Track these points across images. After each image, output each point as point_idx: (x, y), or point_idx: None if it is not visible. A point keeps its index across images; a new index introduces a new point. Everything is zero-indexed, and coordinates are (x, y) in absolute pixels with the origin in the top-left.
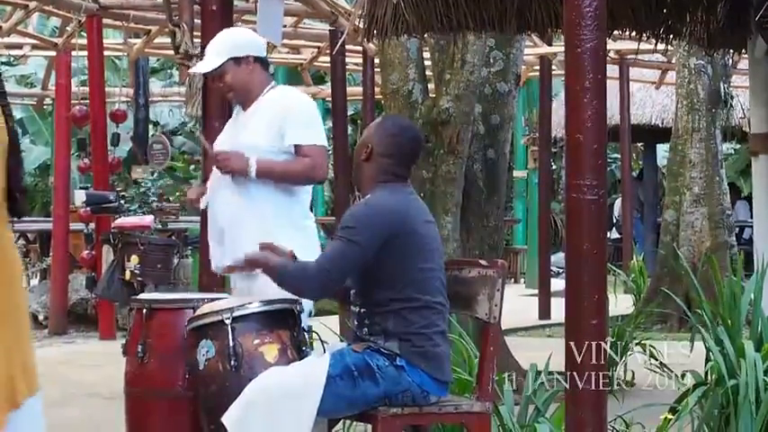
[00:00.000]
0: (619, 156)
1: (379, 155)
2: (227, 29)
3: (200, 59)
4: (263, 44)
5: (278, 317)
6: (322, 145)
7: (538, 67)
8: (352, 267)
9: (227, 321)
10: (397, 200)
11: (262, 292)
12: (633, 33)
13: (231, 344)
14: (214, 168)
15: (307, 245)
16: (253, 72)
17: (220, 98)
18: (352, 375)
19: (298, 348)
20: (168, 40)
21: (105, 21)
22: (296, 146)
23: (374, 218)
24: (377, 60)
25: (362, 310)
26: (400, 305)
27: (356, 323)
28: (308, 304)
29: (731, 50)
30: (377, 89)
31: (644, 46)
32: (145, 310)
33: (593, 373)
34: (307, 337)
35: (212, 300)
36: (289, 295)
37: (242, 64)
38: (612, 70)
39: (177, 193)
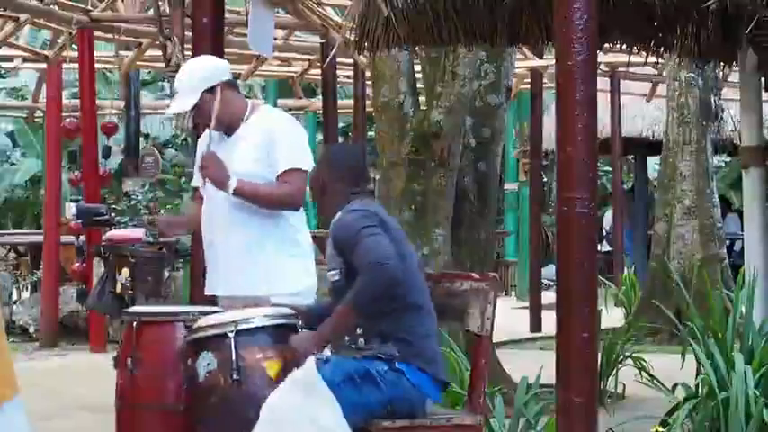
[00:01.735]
0: (610, 168)
1: (332, 182)
2: (190, 62)
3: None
4: (227, 66)
5: (283, 331)
6: (303, 170)
7: (529, 80)
8: (392, 250)
9: (231, 335)
10: (370, 204)
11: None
12: (624, 46)
13: (234, 358)
14: (206, 193)
15: (298, 256)
16: (228, 98)
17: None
18: (354, 381)
19: (299, 365)
20: (159, 52)
21: (96, 33)
22: (280, 173)
23: (366, 215)
24: (368, 73)
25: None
26: (394, 305)
27: (348, 336)
28: None
29: (722, 63)
30: (368, 102)
31: (635, 59)
32: (135, 323)
33: (583, 386)
34: None
35: (203, 312)
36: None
37: (215, 93)
38: (603, 83)
39: (168, 206)
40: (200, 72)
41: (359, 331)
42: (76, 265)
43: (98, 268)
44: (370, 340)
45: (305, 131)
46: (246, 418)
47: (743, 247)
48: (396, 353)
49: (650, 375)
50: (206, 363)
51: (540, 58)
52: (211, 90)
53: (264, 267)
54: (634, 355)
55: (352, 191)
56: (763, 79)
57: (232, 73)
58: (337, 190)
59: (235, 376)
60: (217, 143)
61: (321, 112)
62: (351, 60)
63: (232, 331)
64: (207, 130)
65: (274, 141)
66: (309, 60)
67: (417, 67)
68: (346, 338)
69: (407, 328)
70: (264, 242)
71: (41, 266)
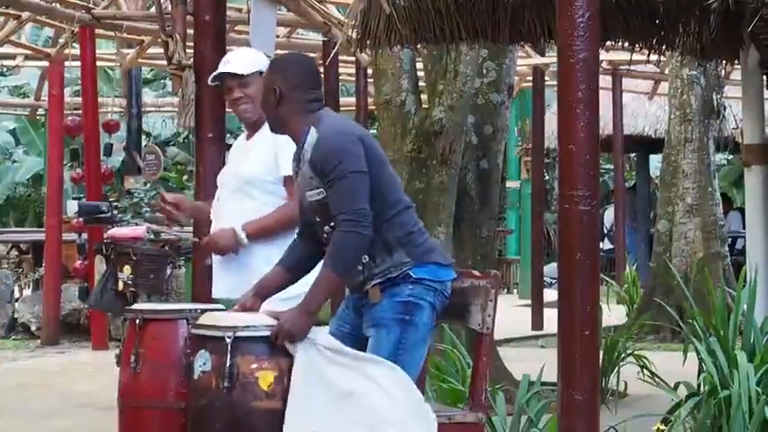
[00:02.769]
0: (611, 166)
1: (289, 90)
2: (251, 49)
3: (192, 69)
4: None
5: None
6: None
7: (531, 78)
8: (367, 194)
9: (228, 340)
10: (341, 118)
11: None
12: (626, 44)
13: (228, 363)
14: (215, 200)
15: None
16: None
17: (212, 109)
18: (405, 322)
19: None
20: (161, 50)
21: (98, 31)
22: (285, 177)
23: (348, 142)
24: (370, 71)
25: None
26: (392, 212)
27: None
28: None
29: (724, 61)
30: (370, 100)
31: (637, 56)
32: (138, 321)
33: (585, 384)
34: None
35: (206, 310)
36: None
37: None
38: (605, 81)
39: None
40: (259, 56)
41: (365, 257)
42: (78, 262)
43: (100, 266)
44: (374, 255)
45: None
46: (231, 428)
47: (745, 245)
48: (406, 258)
49: (652, 373)
50: (202, 361)
51: (542, 55)
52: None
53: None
54: (636, 352)
55: (308, 98)
56: (765, 77)
57: None
58: (296, 98)
59: (225, 383)
60: (237, 148)
61: None
62: (353, 58)
63: (230, 336)
64: (240, 136)
65: (280, 146)
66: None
67: (419, 65)
68: None
69: (406, 229)
70: (267, 248)
71: (43, 264)
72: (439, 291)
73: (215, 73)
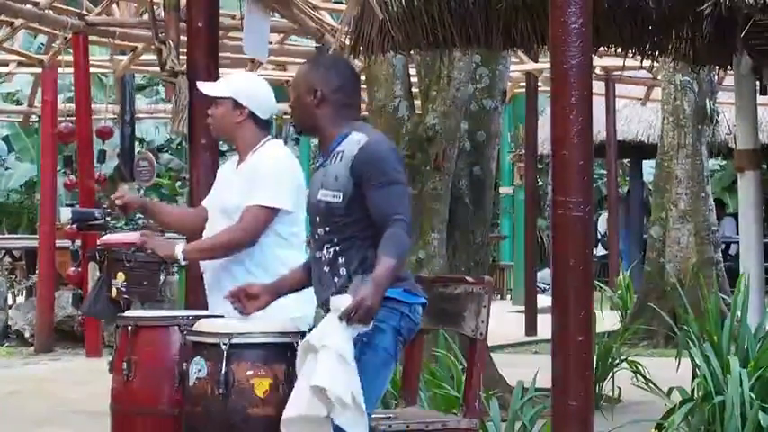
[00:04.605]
0: (605, 172)
1: (331, 93)
2: (252, 76)
3: (185, 75)
4: (272, 107)
5: (277, 350)
6: (260, 206)
7: (524, 84)
8: None
9: (224, 346)
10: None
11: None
12: (619, 50)
13: (223, 370)
14: (208, 223)
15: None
16: (241, 124)
17: (205, 116)
18: (362, 343)
19: (291, 385)
20: (154, 57)
21: (91, 38)
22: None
23: (397, 154)
24: (363, 77)
25: (338, 248)
26: (375, 230)
27: (327, 267)
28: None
29: (717, 67)
30: (363, 106)
31: (630, 62)
32: (131, 328)
33: (579, 390)
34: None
35: (198, 317)
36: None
37: (236, 110)
38: (598, 87)
39: None
40: (244, 84)
41: (341, 261)
42: (72, 269)
43: (93, 273)
44: (351, 270)
45: (291, 171)
46: None
47: (738, 251)
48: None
49: (646, 379)
50: (197, 368)
51: (536, 61)
52: (236, 105)
53: None
54: (630, 358)
55: (349, 102)
56: (758, 82)
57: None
58: (336, 101)
59: (221, 390)
60: (232, 172)
61: None
62: None
63: (226, 343)
64: (231, 159)
65: (254, 178)
66: None
67: (412, 71)
68: (326, 270)
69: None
70: (264, 272)
71: (37, 271)
72: (405, 314)
73: (201, 83)
